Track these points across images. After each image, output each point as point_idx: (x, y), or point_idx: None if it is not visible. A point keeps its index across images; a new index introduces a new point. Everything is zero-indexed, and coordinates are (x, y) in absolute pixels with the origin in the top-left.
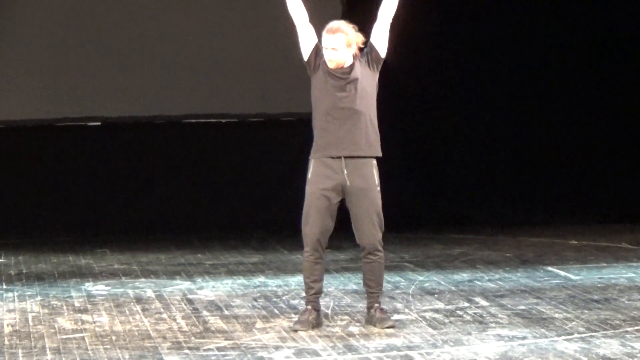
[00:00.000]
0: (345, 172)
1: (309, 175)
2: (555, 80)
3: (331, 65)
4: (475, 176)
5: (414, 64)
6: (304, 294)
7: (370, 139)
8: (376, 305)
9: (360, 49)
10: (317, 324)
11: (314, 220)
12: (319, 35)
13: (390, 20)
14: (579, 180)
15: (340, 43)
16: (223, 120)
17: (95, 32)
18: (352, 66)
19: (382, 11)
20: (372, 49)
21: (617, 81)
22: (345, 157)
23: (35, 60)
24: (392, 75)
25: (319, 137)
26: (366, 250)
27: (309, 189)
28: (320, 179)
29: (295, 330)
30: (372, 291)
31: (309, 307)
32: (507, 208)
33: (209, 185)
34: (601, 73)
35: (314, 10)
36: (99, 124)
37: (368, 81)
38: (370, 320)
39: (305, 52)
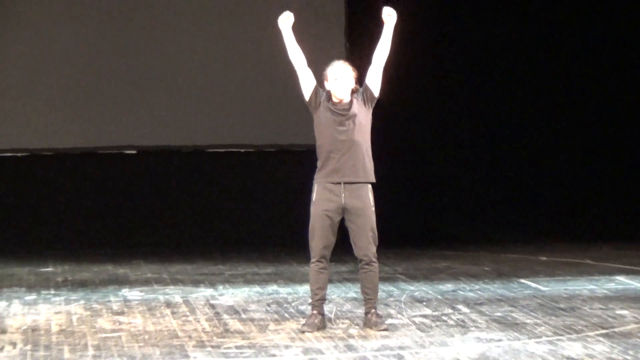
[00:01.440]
0: (344, 196)
1: (313, 198)
2: (529, 113)
3: (339, 95)
4: (460, 200)
5: (406, 104)
6: (310, 300)
7: (366, 166)
8: (373, 310)
9: (356, 89)
10: (321, 327)
11: (319, 236)
12: (317, 77)
13: (384, 65)
14: (550, 204)
15: (348, 74)
16: (242, 150)
17: (134, 72)
18: (350, 103)
19: (376, 56)
20: (367, 89)
21: (586, 115)
22: (344, 183)
23: (82, 96)
24: (385, 112)
25: (322, 165)
26: (363, 262)
27: (313, 209)
28: (323, 201)
29: (303, 332)
30: (369, 298)
31: (315, 311)
32: (487, 228)
33: (229, 206)
34: (573, 105)
35: (319, 52)
36: (134, 152)
37: (364, 116)
38: (367, 324)
39: (306, 93)
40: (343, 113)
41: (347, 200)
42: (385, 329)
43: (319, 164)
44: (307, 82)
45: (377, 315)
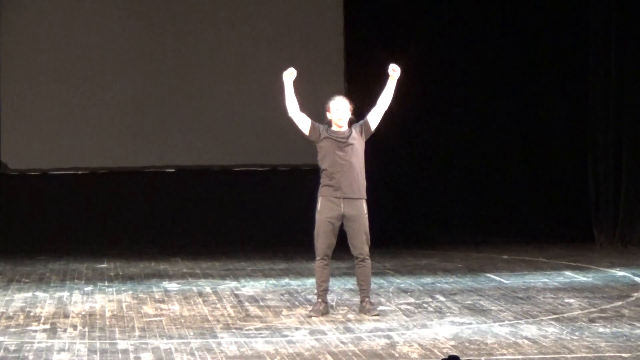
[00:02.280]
0: (343, 206)
1: (318, 208)
2: (491, 134)
3: (340, 123)
4: (437, 210)
5: (395, 135)
6: (315, 291)
7: (360, 184)
8: (366, 299)
9: (352, 119)
10: (325, 312)
11: (322, 238)
12: (318, 113)
13: (385, 109)
14: (510, 212)
15: (346, 106)
16: (261, 169)
17: (173, 106)
18: (349, 132)
19: (380, 101)
20: (367, 124)
21: (540, 133)
22: (343, 198)
23: (130, 124)
24: (377, 141)
25: (325, 183)
26: (358, 259)
27: (318, 217)
28: (326, 210)
29: (310, 316)
30: (363, 289)
31: (319, 300)
32: (460, 232)
33: (250, 214)
34: (528, 120)
35: (322, 92)
36: (173, 170)
37: (359, 144)
38: (362, 310)
39: (305, 130)
40: (342, 141)
41: (346, 210)
42: (377, 314)
43: (322, 181)
44: (303, 123)
45: (370, 303)
